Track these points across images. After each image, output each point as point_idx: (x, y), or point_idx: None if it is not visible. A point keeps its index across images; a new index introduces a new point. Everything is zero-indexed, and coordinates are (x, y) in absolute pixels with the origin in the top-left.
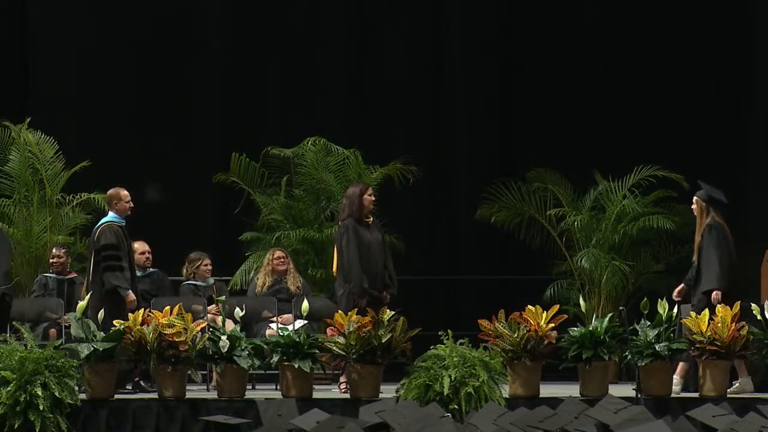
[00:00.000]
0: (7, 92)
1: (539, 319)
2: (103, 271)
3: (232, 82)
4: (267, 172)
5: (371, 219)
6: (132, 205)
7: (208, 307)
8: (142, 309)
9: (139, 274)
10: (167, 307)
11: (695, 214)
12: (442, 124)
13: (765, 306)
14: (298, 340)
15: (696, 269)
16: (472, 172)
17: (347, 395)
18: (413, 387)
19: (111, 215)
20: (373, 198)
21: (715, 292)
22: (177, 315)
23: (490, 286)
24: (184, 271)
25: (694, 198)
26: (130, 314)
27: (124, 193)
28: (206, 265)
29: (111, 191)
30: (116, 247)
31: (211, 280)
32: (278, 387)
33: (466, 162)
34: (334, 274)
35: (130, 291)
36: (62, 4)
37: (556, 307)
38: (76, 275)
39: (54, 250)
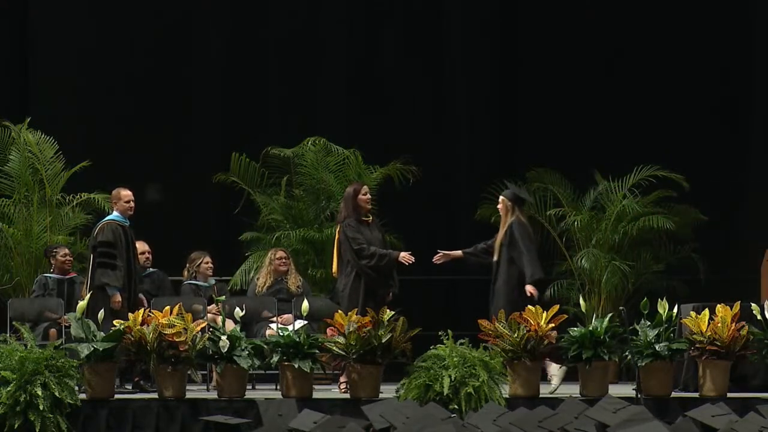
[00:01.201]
0: (7, 92)
1: (539, 319)
2: (95, 267)
3: (232, 82)
4: (267, 172)
5: (371, 218)
6: (133, 205)
7: (209, 307)
8: (142, 309)
9: (139, 274)
10: (167, 307)
11: (501, 213)
12: (442, 124)
13: (765, 306)
14: (298, 340)
15: (496, 268)
16: (472, 172)
17: (347, 395)
18: (413, 387)
19: (113, 214)
20: (369, 197)
21: (530, 287)
22: (177, 315)
23: (490, 286)
24: (185, 272)
25: (500, 198)
26: (130, 314)
27: (125, 192)
28: (207, 263)
29: (114, 191)
30: (112, 245)
31: (212, 281)
32: (278, 387)
33: (466, 162)
34: (334, 274)
35: (118, 292)
36: (62, 4)
37: (556, 307)
38: (76, 275)
39: (64, 250)
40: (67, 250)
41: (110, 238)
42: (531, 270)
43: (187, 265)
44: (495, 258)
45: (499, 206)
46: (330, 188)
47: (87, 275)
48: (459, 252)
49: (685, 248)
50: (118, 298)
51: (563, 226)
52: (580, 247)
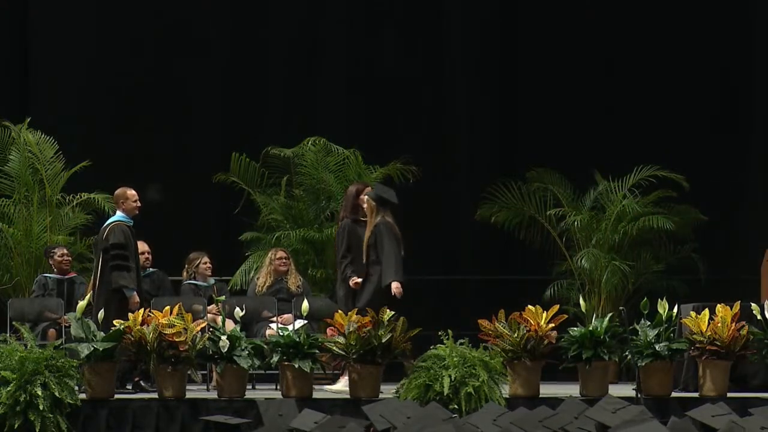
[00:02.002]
0: (7, 92)
1: (539, 319)
2: (110, 270)
3: (232, 82)
4: (267, 172)
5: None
6: (139, 204)
7: (209, 307)
8: (142, 309)
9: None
10: (167, 307)
11: (366, 214)
12: (442, 124)
13: (765, 306)
14: (298, 340)
15: (366, 269)
16: (472, 172)
17: (347, 395)
18: (413, 387)
19: (119, 215)
20: None
21: (395, 285)
22: (177, 315)
23: (490, 286)
24: (185, 273)
25: (366, 198)
26: (130, 314)
27: (131, 192)
28: (205, 263)
29: (118, 191)
30: (125, 246)
31: (212, 281)
32: (278, 387)
33: (466, 162)
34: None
35: (135, 293)
36: (62, 4)
37: (556, 307)
38: (75, 275)
39: (62, 250)
40: (65, 250)
41: (122, 239)
42: (390, 271)
43: (186, 265)
44: (364, 260)
45: (365, 207)
46: (330, 188)
47: (94, 276)
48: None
49: (685, 248)
50: (137, 298)
51: (563, 226)
52: (580, 247)
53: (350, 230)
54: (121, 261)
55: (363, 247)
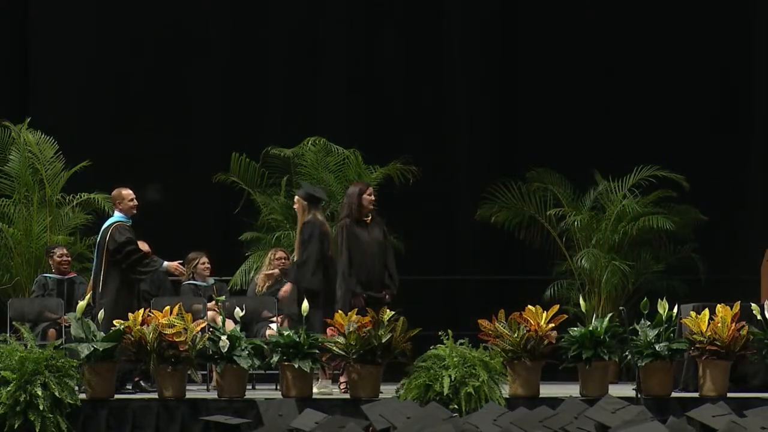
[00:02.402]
0: (7, 92)
1: (539, 319)
2: (129, 267)
3: (232, 82)
4: (267, 172)
5: (370, 218)
6: (136, 203)
7: (208, 304)
8: (142, 309)
9: None
10: (167, 307)
11: (297, 212)
12: (442, 124)
13: (765, 306)
14: (298, 340)
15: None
16: (472, 172)
17: (347, 395)
18: (413, 387)
19: (117, 215)
20: (374, 198)
21: (285, 288)
22: (177, 315)
23: (490, 286)
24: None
25: (296, 197)
26: (130, 314)
27: (126, 192)
28: (203, 263)
29: (114, 192)
30: (133, 241)
31: (211, 280)
32: (278, 387)
33: (466, 162)
34: None
35: (164, 262)
36: (62, 5)
37: (556, 307)
38: (75, 275)
39: (61, 250)
40: (64, 250)
41: (128, 235)
42: (307, 274)
43: (185, 265)
44: (295, 258)
45: (296, 206)
46: (330, 188)
47: (94, 277)
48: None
49: (685, 248)
50: (170, 263)
51: (563, 226)
52: (580, 247)
53: (350, 231)
54: (137, 255)
55: (295, 245)
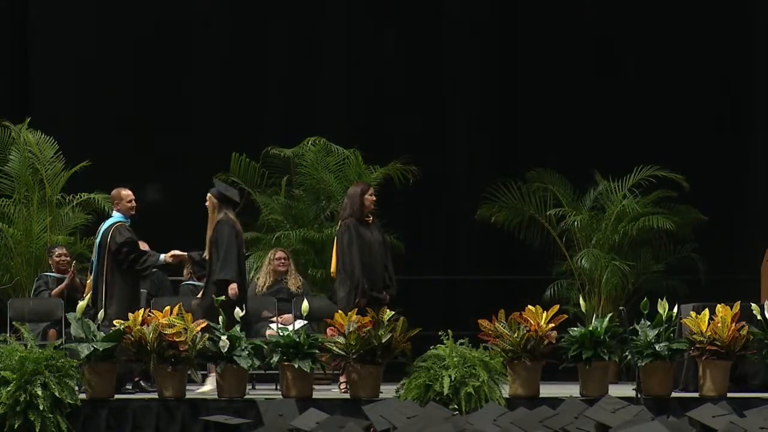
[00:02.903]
0: (7, 92)
1: (539, 319)
2: (129, 265)
3: (232, 82)
4: (267, 172)
5: (371, 218)
6: (134, 204)
7: None
8: (142, 309)
9: None
10: (167, 307)
11: (209, 210)
12: (442, 124)
13: (765, 306)
14: (298, 340)
15: (209, 263)
16: (472, 172)
17: (347, 395)
18: (413, 387)
19: (116, 215)
20: (374, 198)
21: (231, 285)
22: (177, 315)
23: (490, 286)
24: (185, 271)
25: (208, 195)
26: (130, 314)
27: (125, 192)
28: None
29: (113, 191)
30: (132, 241)
31: None
32: (278, 387)
33: (466, 162)
34: (333, 274)
35: (161, 255)
36: (62, 5)
37: (556, 307)
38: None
39: (61, 250)
40: (63, 250)
41: (129, 235)
42: (226, 269)
43: (186, 265)
44: (207, 255)
45: (207, 203)
46: (330, 188)
47: (95, 277)
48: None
49: (685, 248)
50: (170, 253)
51: (563, 226)
52: (580, 247)
53: (356, 230)
54: (135, 254)
55: (207, 242)
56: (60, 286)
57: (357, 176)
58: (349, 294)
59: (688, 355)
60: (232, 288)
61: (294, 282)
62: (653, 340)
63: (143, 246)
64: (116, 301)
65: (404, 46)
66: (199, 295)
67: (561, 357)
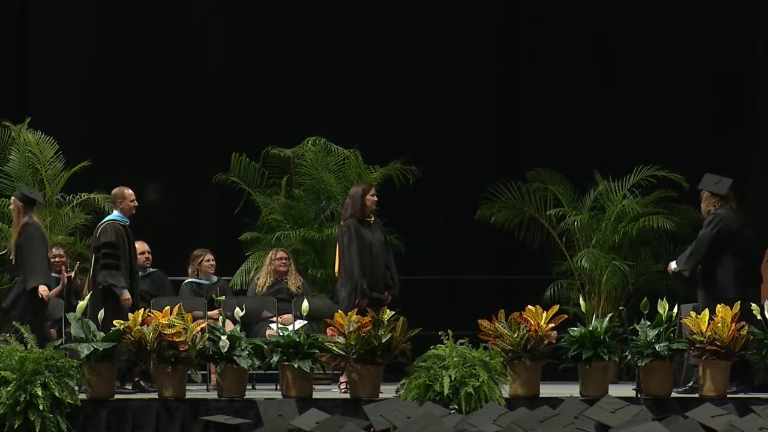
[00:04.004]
0: (7, 92)
1: (539, 319)
2: (100, 268)
3: (232, 82)
4: (267, 172)
5: (373, 219)
6: (136, 204)
7: (209, 313)
8: (142, 309)
9: (139, 273)
10: (167, 307)
11: (13, 214)
12: (442, 124)
13: (765, 306)
14: (298, 340)
15: (12, 265)
16: (472, 172)
17: (347, 395)
18: (413, 387)
19: (115, 214)
20: (376, 198)
21: (42, 288)
22: (177, 315)
23: (490, 286)
24: (189, 269)
25: (12, 198)
26: (130, 314)
27: (128, 192)
28: (208, 261)
29: (115, 190)
30: (115, 245)
31: (215, 278)
32: (278, 387)
33: (466, 162)
34: (337, 274)
35: (126, 290)
36: (62, 4)
37: (556, 307)
38: (72, 274)
39: (59, 250)
40: (61, 251)
41: (113, 238)
42: (35, 273)
43: (190, 263)
44: (13, 261)
45: (11, 207)
46: (330, 188)
47: (88, 275)
48: None
49: (685, 248)
50: (127, 295)
51: (563, 226)
52: (580, 247)
53: (357, 230)
54: (111, 260)
55: (10, 245)
56: (56, 288)
57: (357, 176)
58: (350, 295)
59: (687, 355)
60: (44, 290)
61: (294, 282)
62: (653, 340)
63: (142, 246)
64: (100, 298)
65: (404, 46)
66: None
67: (561, 357)
